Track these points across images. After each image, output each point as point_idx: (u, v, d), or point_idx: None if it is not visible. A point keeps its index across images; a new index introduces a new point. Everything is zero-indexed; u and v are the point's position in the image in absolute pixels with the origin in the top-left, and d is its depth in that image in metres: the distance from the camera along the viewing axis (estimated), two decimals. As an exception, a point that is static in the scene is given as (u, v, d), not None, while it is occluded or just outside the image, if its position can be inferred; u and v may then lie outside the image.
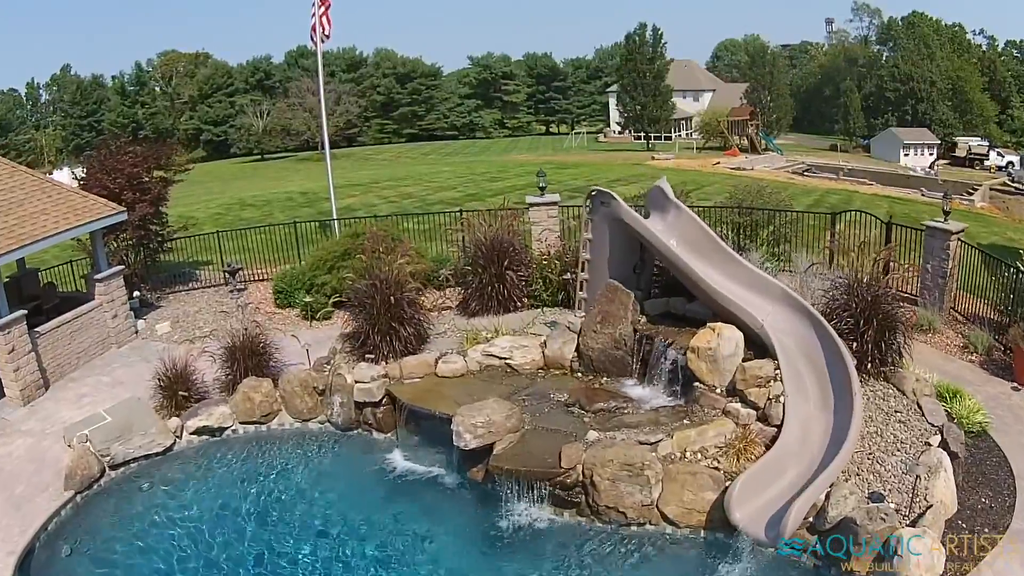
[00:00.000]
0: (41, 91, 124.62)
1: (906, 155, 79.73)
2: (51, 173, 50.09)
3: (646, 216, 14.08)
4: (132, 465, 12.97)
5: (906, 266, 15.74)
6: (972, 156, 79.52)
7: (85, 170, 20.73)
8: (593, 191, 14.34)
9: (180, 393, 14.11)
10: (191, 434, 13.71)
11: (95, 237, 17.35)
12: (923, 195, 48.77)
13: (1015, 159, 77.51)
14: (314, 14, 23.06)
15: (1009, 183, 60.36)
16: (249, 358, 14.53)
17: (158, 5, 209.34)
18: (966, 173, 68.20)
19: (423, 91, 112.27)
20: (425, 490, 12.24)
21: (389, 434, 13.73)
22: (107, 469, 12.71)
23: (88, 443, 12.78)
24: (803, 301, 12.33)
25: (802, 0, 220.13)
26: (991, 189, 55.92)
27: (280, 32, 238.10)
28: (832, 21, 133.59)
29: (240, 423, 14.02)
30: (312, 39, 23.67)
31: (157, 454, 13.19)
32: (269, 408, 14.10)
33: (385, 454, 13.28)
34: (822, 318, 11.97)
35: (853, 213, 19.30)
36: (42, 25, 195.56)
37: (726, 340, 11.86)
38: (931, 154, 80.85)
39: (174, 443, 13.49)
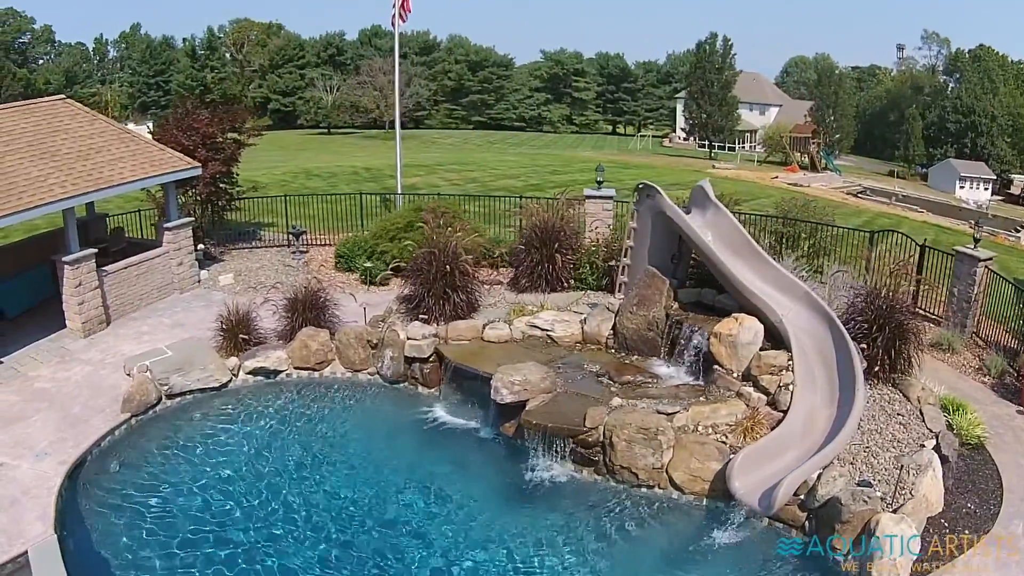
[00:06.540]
0: (109, 47, 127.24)
1: (962, 187, 77.99)
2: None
3: (687, 212, 14.82)
4: (188, 397, 13.72)
5: (932, 286, 16.28)
6: (1027, 195, 77.30)
7: (158, 126, 21.62)
8: (640, 184, 15.23)
9: (241, 336, 14.84)
10: (247, 374, 14.45)
11: (167, 188, 18.19)
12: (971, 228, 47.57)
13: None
14: (395, 4, 23.52)
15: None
16: (309, 310, 15.30)
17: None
18: (1019, 211, 66.27)
19: (494, 80, 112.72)
20: (461, 440, 13.23)
21: (433, 389, 14.54)
22: (164, 398, 13.48)
23: (148, 372, 13.58)
24: (822, 302, 13.06)
25: (875, 24, 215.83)
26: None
27: (355, 9, 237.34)
28: (903, 47, 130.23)
29: (295, 368, 14.75)
30: (392, 24, 24.24)
31: (213, 389, 13.93)
32: (323, 357, 14.84)
33: (428, 406, 14.14)
34: (837, 319, 12.68)
35: (892, 234, 19.62)
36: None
37: (746, 329, 12.77)
38: (986, 188, 78.92)
39: (230, 380, 14.23)
